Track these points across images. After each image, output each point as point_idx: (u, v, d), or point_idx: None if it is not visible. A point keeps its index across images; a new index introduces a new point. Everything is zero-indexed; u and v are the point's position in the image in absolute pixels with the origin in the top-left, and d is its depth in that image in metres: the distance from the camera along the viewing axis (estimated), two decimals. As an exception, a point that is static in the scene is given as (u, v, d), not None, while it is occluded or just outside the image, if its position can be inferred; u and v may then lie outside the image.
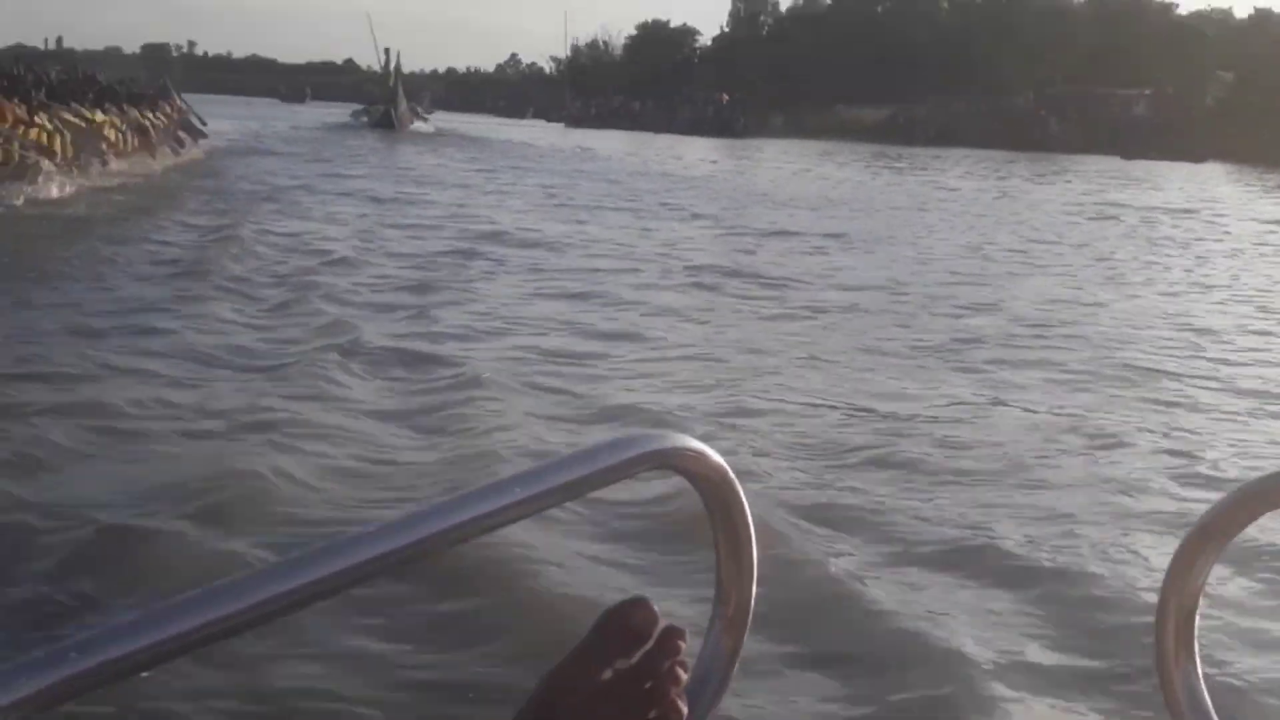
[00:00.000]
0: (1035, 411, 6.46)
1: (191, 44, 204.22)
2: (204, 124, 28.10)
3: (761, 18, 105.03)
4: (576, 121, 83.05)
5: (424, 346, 7.35)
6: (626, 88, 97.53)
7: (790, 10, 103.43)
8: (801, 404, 6.44)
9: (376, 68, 60.47)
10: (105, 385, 5.90)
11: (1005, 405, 6.59)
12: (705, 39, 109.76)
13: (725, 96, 71.77)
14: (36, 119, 15.31)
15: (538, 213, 17.28)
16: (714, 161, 38.92)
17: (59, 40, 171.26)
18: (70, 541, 3.86)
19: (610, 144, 49.83)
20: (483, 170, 26.89)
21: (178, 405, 5.61)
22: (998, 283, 12.11)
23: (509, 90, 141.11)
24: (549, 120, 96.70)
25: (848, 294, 10.81)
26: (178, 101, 27.94)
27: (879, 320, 9.42)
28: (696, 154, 43.79)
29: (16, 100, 15.15)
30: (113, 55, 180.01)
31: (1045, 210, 23.10)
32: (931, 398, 6.72)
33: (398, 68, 55.48)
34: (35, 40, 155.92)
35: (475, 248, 12.62)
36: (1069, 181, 35.62)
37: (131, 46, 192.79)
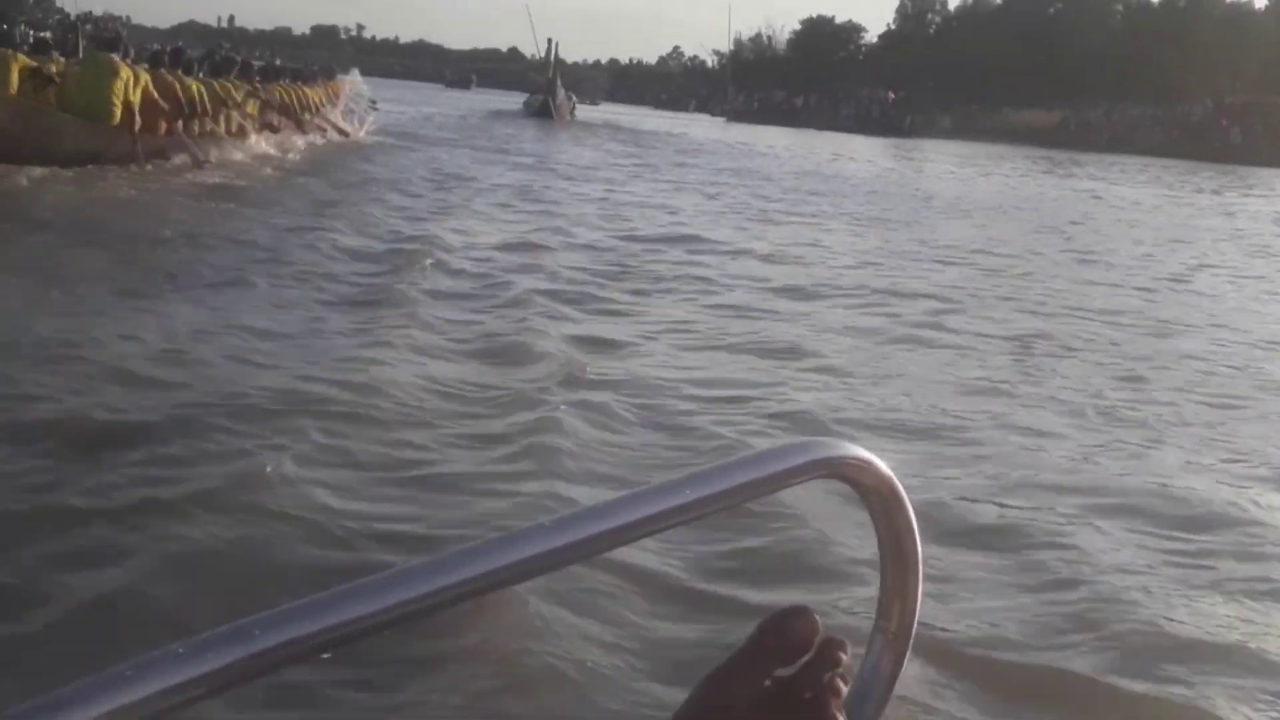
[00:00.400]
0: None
1: (360, 27, 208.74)
2: (375, 105, 28.03)
3: (929, 16, 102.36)
4: (738, 116, 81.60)
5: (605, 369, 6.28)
6: (789, 83, 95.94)
7: (959, 9, 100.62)
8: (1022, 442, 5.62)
9: (539, 56, 60.66)
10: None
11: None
12: (871, 36, 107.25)
13: (891, 95, 69.16)
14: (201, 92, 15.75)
15: (702, 214, 15.59)
16: (882, 163, 36.58)
17: (230, 19, 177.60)
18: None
19: (772, 140, 48.05)
20: (641, 164, 25.43)
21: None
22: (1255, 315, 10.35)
23: (671, 83, 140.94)
24: (710, 114, 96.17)
25: (1065, 321, 9.17)
26: (352, 83, 27.99)
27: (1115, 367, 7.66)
28: (863, 153, 41.71)
29: (180, 73, 15.57)
30: (282, 35, 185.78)
31: (1261, 225, 21.13)
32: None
33: (556, 58, 55.81)
34: (207, 18, 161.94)
35: (632, 254, 11.03)
36: (1263, 196, 33.22)
37: (301, 27, 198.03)
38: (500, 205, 14.40)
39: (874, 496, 0.88)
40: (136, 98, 13.40)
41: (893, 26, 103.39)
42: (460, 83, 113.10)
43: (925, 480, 4.79)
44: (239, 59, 21.49)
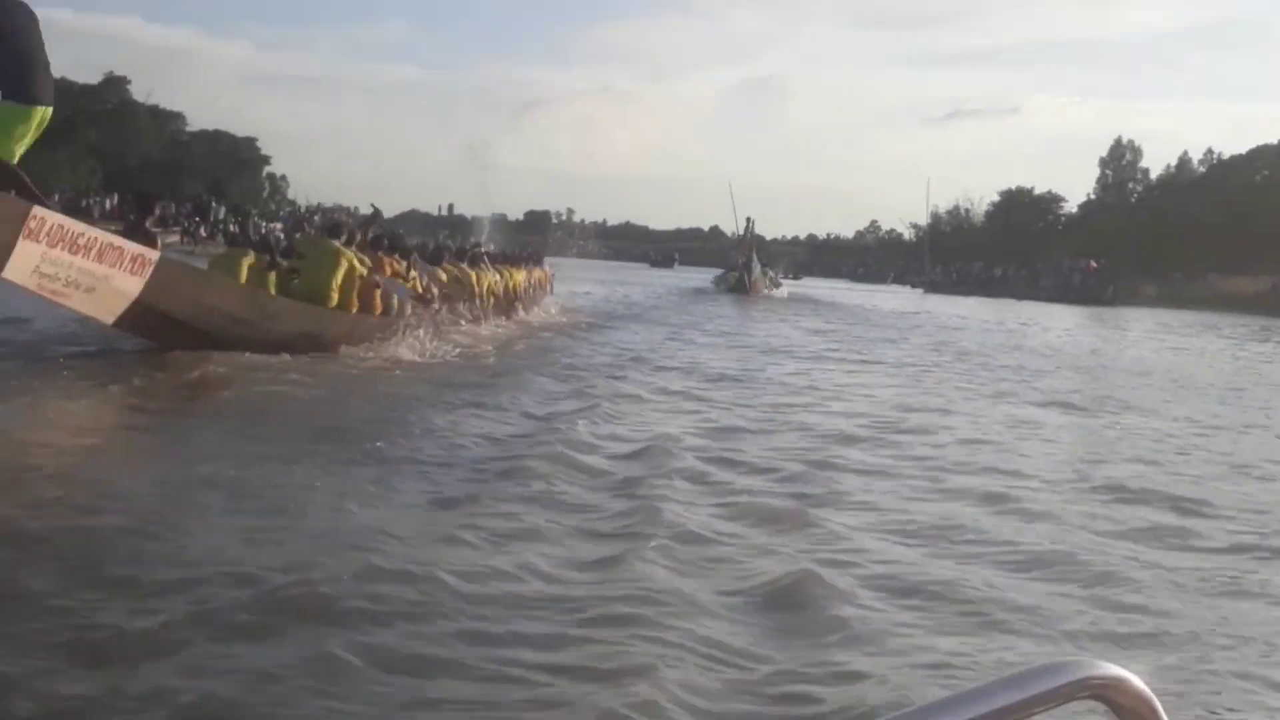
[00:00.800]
0: None
1: (570, 211, 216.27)
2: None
3: (1130, 185, 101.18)
4: (934, 287, 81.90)
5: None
6: (987, 254, 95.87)
7: (1161, 178, 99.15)
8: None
9: (738, 234, 62.70)
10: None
11: None
12: (1070, 206, 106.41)
13: (1093, 264, 68.61)
14: (412, 273, 16.20)
15: (900, 395, 14.28)
16: (1086, 333, 35.29)
17: (450, 207, 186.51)
18: None
19: (968, 311, 47.54)
20: (835, 341, 24.27)
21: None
22: None
23: (867, 256, 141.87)
24: (908, 286, 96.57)
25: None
26: (547, 269, 29.25)
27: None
28: (1065, 323, 40.49)
29: (396, 256, 16.10)
30: (497, 220, 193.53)
31: None
32: None
33: (751, 234, 57.28)
34: (429, 207, 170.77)
35: (830, 452, 9.38)
36: None
37: (515, 213, 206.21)
38: (686, 392, 13.00)
39: (1131, 717, 0.85)
40: (357, 281, 13.90)
41: (1093, 196, 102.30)
42: (664, 262, 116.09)
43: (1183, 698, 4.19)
44: (452, 245, 22.89)
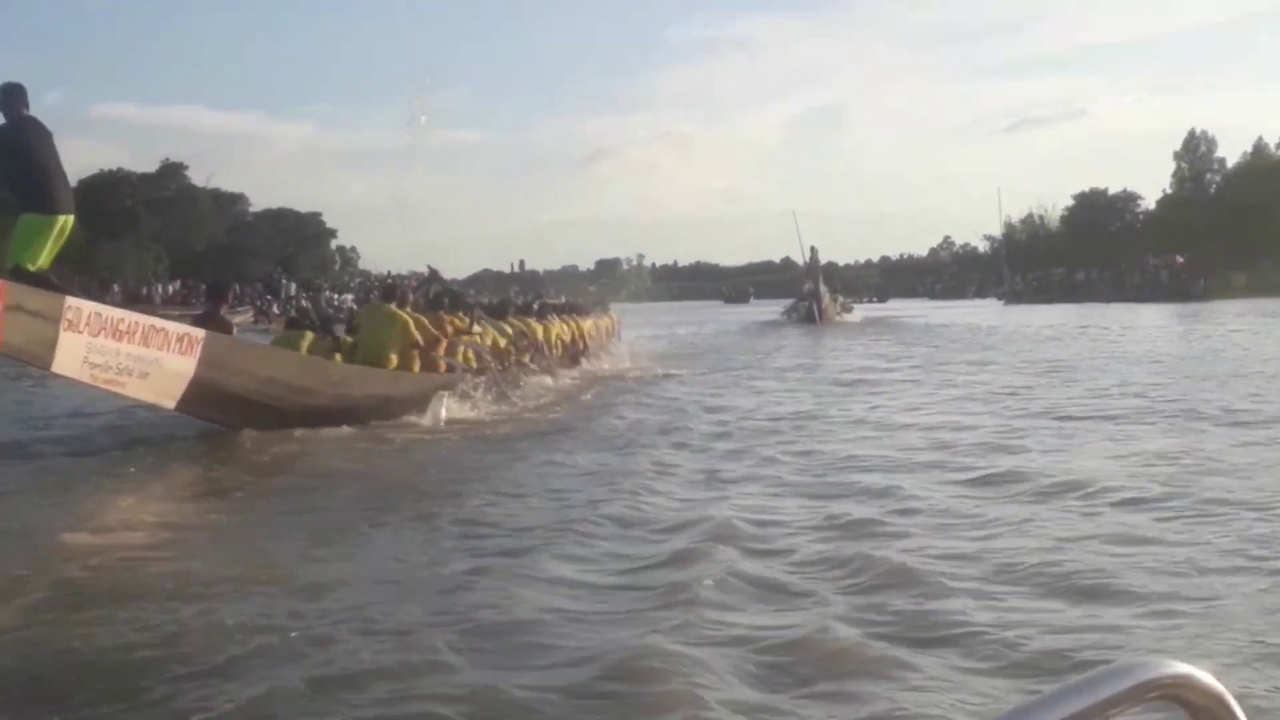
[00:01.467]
0: None
1: (640, 256, 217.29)
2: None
3: (1208, 176, 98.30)
4: (1016, 297, 79.96)
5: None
6: (1066, 258, 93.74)
7: (1239, 166, 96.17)
8: None
9: (806, 263, 62.22)
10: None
11: None
12: (1147, 203, 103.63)
13: (1179, 259, 66.12)
14: (476, 328, 16.14)
15: (990, 427, 12.10)
16: (1187, 333, 32.94)
17: (521, 264, 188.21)
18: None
19: (1054, 319, 45.82)
20: (913, 366, 22.25)
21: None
22: None
23: (944, 272, 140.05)
24: (985, 298, 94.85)
25: None
26: (613, 315, 29.34)
27: None
28: (1157, 323, 38.84)
29: (459, 313, 15.95)
30: (568, 272, 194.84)
31: None
32: None
33: (816, 263, 56.11)
34: (501, 265, 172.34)
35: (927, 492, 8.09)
36: None
37: (586, 263, 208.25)
38: (763, 457, 10.50)
39: (1205, 717, 0.84)
40: (416, 341, 13.86)
41: (1169, 191, 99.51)
42: (738, 297, 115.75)
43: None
44: (518, 300, 22.92)
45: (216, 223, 76.99)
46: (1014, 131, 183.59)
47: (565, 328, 21.11)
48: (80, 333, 9.25)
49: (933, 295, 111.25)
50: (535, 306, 21.46)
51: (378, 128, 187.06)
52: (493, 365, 15.66)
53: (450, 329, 14.87)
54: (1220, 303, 56.39)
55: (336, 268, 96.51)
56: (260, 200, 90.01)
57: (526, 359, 17.50)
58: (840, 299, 55.77)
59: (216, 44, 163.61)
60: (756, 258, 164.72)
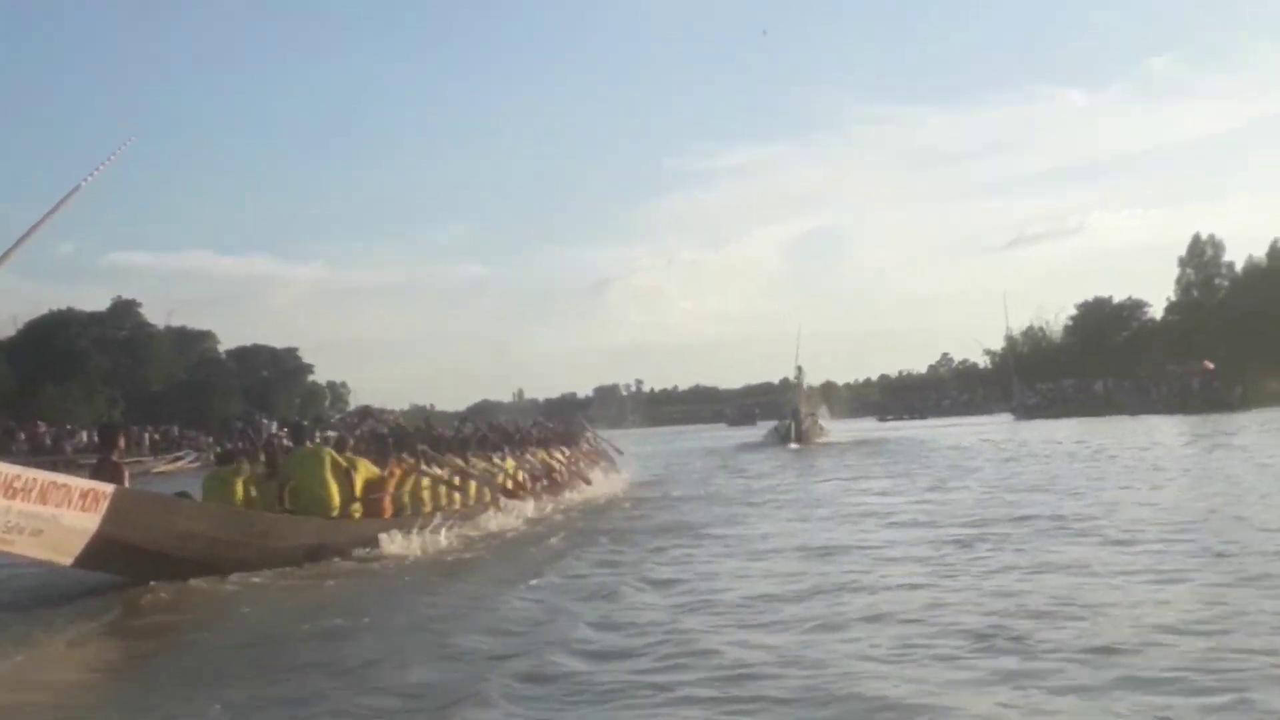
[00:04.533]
0: None
1: (639, 382, 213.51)
2: (619, 453, 29.11)
3: (1216, 281, 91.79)
4: (1028, 412, 72.24)
5: None
6: (1072, 370, 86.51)
7: (1248, 268, 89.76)
8: None
9: (812, 385, 58.72)
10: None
11: None
12: (1154, 310, 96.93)
13: (1210, 364, 58.17)
14: (422, 468, 15.41)
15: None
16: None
17: (520, 392, 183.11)
18: None
19: (1079, 436, 40.14)
20: (920, 517, 15.77)
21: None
22: None
23: (944, 388, 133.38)
24: (991, 414, 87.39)
25: None
26: (598, 443, 29.03)
27: None
28: (1217, 441, 32.51)
29: (405, 454, 15.22)
30: (568, 399, 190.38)
31: None
32: None
33: (798, 383, 55.84)
34: (500, 395, 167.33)
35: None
36: None
37: (585, 390, 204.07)
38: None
39: None
40: (355, 484, 13.39)
41: (1174, 298, 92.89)
42: (743, 419, 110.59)
43: None
44: (466, 432, 21.43)
45: (176, 362, 69.90)
46: (1012, 249, 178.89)
47: (530, 460, 20.48)
48: None
49: (939, 412, 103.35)
50: (508, 437, 21.12)
51: (383, 265, 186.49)
52: (445, 504, 15.25)
53: (398, 473, 14.50)
54: (1263, 411, 48.71)
55: (327, 403, 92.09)
56: (275, 340, 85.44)
57: (486, 495, 16.76)
58: (818, 418, 53.08)
59: (220, 190, 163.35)
60: (755, 379, 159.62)
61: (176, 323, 77.04)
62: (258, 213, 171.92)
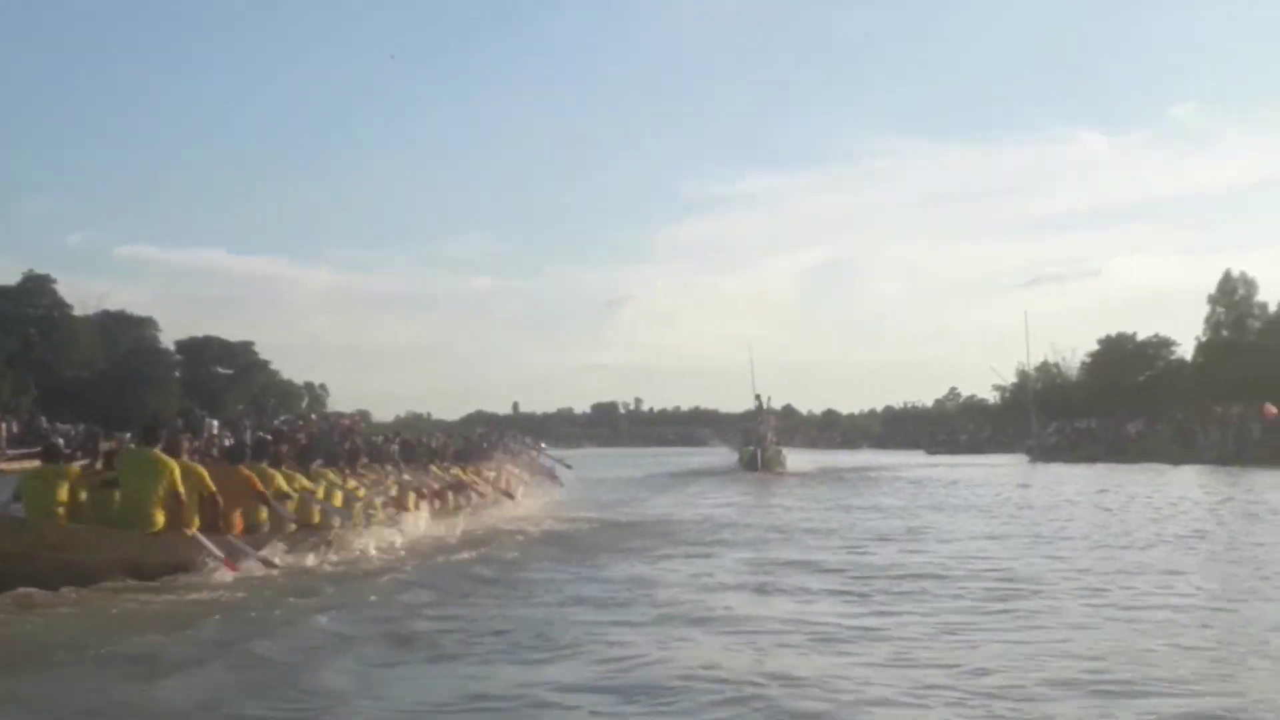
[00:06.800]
0: None
1: (639, 400, 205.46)
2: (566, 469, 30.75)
3: (1249, 320, 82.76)
4: (1045, 454, 62.89)
5: None
6: (1093, 410, 77.03)
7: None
8: None
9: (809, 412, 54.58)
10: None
11: None
12: (1183, 350, 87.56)
13: (1273, 409, 48.61)
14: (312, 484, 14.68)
15: None
16: None
17: (515, 405, 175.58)
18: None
19: (1117, 486, 32.92)
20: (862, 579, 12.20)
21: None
22: None
23: (948, 423, 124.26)
24: (997, 451, 78.23)
25: None
26: (524, 455, 29.41)
27: None
28: None
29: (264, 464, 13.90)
30: (564, 415, 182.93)
31: None
32: None
33: (761, 410, 54.24)
34: (495, 407, 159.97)
35: None
36: None
37: (583, 406, 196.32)
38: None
39: None
40: (191, 495, 11.88)
41: (1203, 339, 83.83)
42: (747, 441, 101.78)
43: None
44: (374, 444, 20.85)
45: (96, 349, 60.59)
46: (1029, 288, 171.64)
47: (442, 475, 20.55)
48: None
49: (949, 448, 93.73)
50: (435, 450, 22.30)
51: (398, 271, 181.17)
52: (289, 528, 13.56)
53: (254, 485, 13.12)
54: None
55: (304, 404, 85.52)
56: (278, 343, 79.70)
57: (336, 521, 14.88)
58: (780, 448, 52.42)
59: (233, 188, 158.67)
60: (753, 404, 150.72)
61: (113, 307, 68.46)
62: (272, 213, 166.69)
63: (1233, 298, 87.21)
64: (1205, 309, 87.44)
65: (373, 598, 10.55)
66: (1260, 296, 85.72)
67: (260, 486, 13.07)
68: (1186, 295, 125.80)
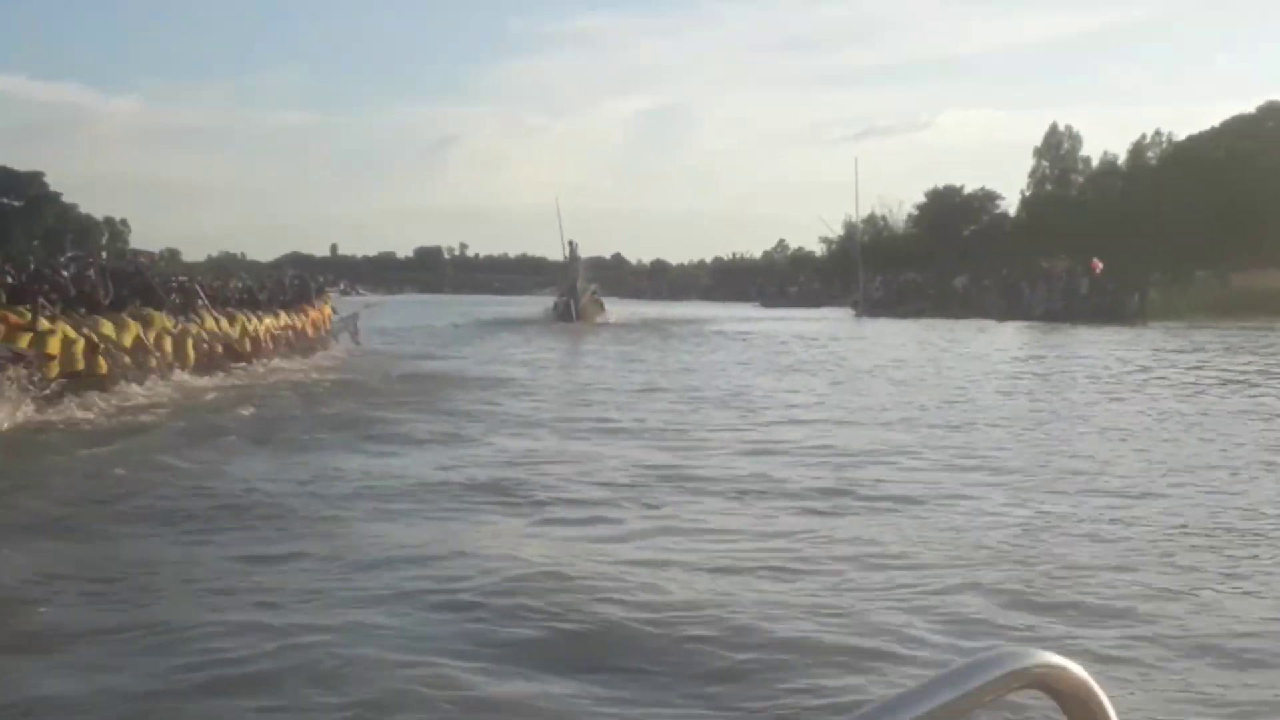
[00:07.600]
0: None
1: (464, 246, 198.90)
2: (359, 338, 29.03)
3: (1073, 176, 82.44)
4: (872, 308, 60.96)
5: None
6: (919, 262, 75.50)
7: (1103, 166, 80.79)
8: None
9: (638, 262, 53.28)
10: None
11: None
12: (1008, 204, 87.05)
13: (1099, 265, 47.35)
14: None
15: None
16: None
17: (334, 248, 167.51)
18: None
19: (954, 345, 32.06)
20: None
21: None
22: None
23: (775, 275, 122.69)
24: (830, 305, 76.52)
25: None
26: (325, 308, 28.19)
27: None
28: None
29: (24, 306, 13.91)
30: (385, 259, 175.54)
31: None
32: None
33: (573, 259, 52.09)
34: (312, 249, 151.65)
35: None
36: None
37: (406, 251, 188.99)
38: None
39: (1072, 703, 0.83)
40: None
41: (1027, 194, 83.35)
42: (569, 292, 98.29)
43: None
44: (179, 283, 20.53)
45: None
46: (859, 140, 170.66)
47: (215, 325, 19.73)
48: None
49: (765, 301, 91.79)
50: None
51: (207, 104, 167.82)
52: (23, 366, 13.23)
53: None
54: (1166, 325, 38.21)
55: (104, 240, 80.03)
56: (84, 178, 73.59)
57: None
58: (598, 297, 52.12)
59: (35, 10, 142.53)
60: (585, 253, 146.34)
61: None
62: (76, 38, 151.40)
63: (1058, 151, 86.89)
64: (1031, 163, 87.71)
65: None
66: (1085, 151, 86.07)
67: None
68: (1015, 150, 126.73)
